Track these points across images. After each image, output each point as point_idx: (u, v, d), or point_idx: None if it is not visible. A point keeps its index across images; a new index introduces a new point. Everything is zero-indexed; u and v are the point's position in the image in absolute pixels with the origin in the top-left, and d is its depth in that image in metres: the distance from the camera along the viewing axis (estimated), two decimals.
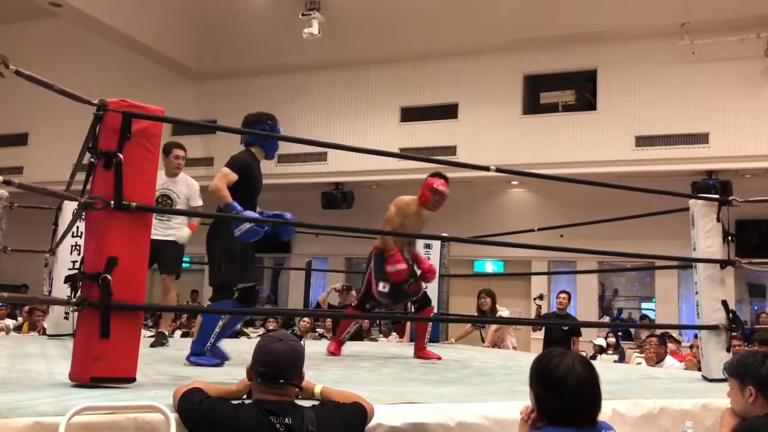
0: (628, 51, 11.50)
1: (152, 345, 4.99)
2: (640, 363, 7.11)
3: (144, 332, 6.77)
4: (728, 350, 3.88)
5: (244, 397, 2.24)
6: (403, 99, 12.99)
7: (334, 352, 4.98)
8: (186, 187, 5.20)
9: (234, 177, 3.78)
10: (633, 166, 11.21)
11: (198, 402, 2.07)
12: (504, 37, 11.89)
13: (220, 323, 3.79)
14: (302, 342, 2.29)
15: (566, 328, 7.53)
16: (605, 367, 5.57)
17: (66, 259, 5.15)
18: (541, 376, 1.96)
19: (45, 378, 2.95)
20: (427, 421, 2.43)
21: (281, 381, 2.06)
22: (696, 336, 6.24)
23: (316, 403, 2.21)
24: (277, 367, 2.06)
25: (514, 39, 11.88)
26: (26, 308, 8.37)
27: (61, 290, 4.62)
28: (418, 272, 5.03)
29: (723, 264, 3.99)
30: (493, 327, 7.44)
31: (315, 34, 11.51)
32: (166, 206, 5.01)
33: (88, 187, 2.76)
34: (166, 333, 5.44)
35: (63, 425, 1.91)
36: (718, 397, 2.97)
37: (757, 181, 11.05)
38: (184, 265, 17.00)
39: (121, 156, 2.64)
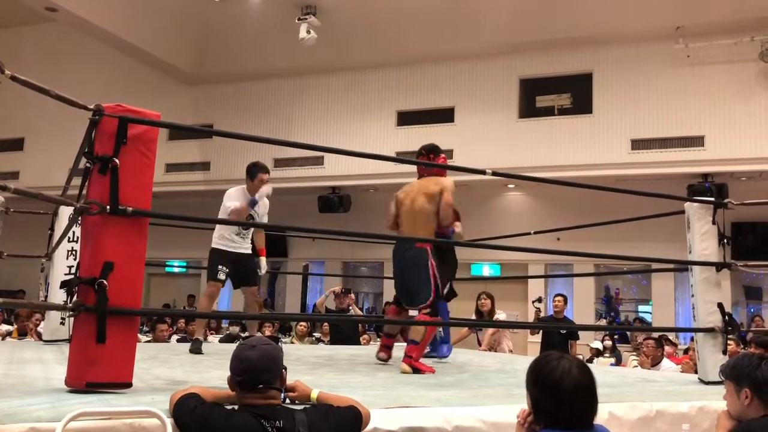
0: (624, 54, 11.54)
1: (191, 351, 5.17)
2: (636, 366, 7.12)
3: (140, 337, 6.74)
4: (724, 353, 3.89)
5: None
6: (400, 103, 13.01)
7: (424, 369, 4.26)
8: (263, 207, 5.37)
9: None
10: (629, 169, 11.23)
11: (193, 408, 2.08)
12: (500, 40, 11.91)
13: None
14: (279, 343, 2.31)
15: (563, 331, 7.53)
16: (602, 370, 5.58)
17: (62, 264, 5.13)
18: (538, 380, 1.96)
19: (41, 383, 2.94)
20: (423, 425, 2.43)
21: (260, 386, 2.09)
22: (692, 339, 6.25)
23: (309, 406, 2.22)
24: (253, 374, 2.09)
25: (510, 43, 11.90)
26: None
27: (58, 295, 4.61)
28: None
29: (719, 266, 4.00)
30: (490, 330, 7.45)
31: (311, 38, 11.52)
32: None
33: (84, 192, 2.76)
34: (202, 339, 5.47)
35: (59, 431, 1.91)
36: (715, 400, 2.98)
37: (753, 184, 11.09)
38: (181, 269, 16.77)
39: (117, 161, 2.63)
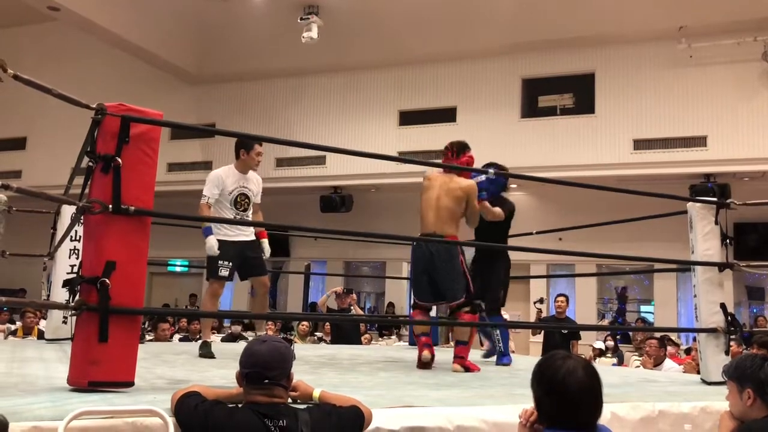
0: (626, 54, 11.53)
1: (201, 355, 4.70)
2: (638, 366, 7.12)
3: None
4: (727, 353, 3.88)
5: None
6: (402, 103, 13.01)
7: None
8: (256, 185, 4.90)
9: None
10: (631, 169, 11.22)
11: (194, 406, 2.07)
12: (502, 40, 11.91)
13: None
14: (291, 345, 2.31)
15: (565, 331, 7.53)
16: (604, 370, 5.56)
17: (64, 264, 5.13)
18: (543, 379, 1.95)
19: (43, 382, 2.94)
20: (425, 425, 2.42)
21: (266, 381, 2.08)
22: (695, 339, 6.24)
23: (312, 405, 2.22)
24: (261, 368, 2.08)
25: (512, 43, 11.90)
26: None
27: (60, 294, 4.61)
28: None
29: (721, 267, 3.99)
30: None
31: (313, 38, 11.53)
32: (245, 205, 4.80)
33: (87, 191, 2.76)
34: (210, 341, 4.99)
35: (61, 430, 1.91)
36: (717, 400, 2.98)
37: (755, 184, 11.07)
38: (183, 269, 16.69)
39: (119, 160, 2.63)
